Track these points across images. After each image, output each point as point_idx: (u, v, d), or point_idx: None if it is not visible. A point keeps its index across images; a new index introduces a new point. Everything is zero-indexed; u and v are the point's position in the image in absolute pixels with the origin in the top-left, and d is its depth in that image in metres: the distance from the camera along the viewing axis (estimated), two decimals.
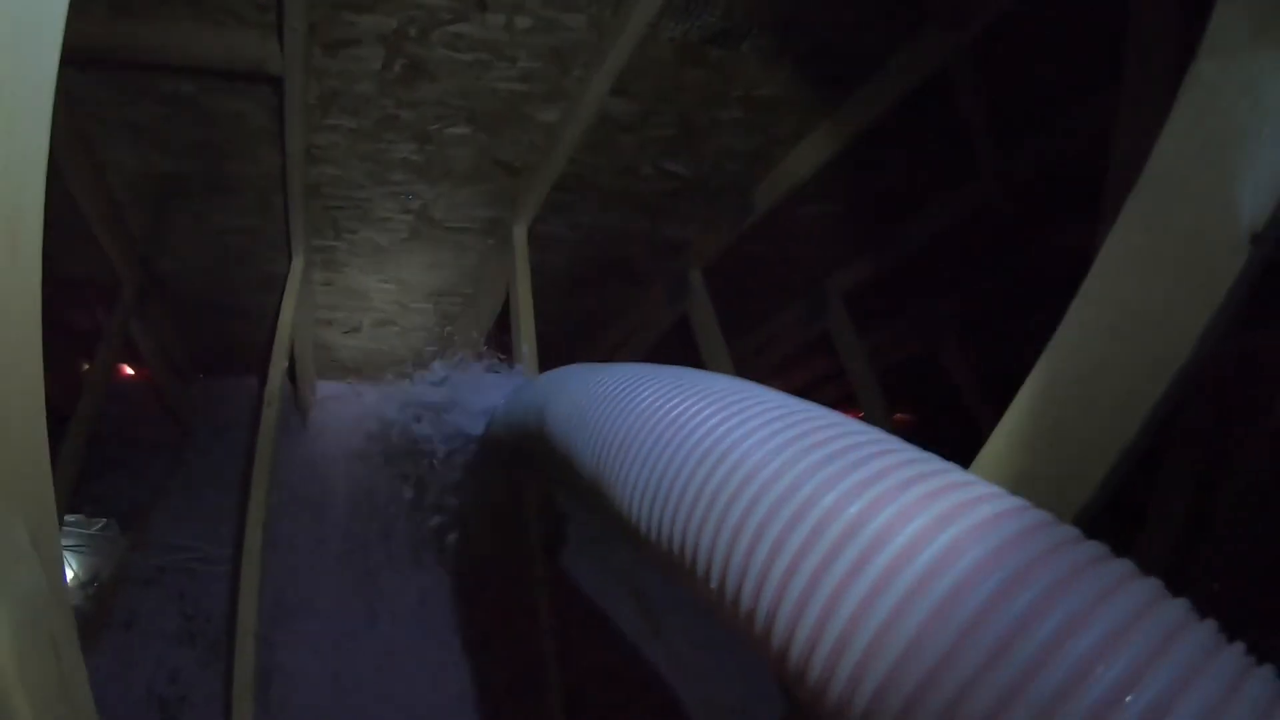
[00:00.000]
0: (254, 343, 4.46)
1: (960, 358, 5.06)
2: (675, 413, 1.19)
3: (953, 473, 0.91)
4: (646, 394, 1.31)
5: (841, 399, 6.63)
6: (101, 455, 4.64)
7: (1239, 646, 0.69)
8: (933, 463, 0.93)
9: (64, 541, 4.18)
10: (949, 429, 4.81)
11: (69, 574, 4.22)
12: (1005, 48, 2.91)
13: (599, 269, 4.15)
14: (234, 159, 3.23)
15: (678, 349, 4.25)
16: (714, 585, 1.00)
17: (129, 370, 4.79)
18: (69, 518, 4.22)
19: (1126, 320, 1.05)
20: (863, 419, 4.79)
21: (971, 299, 4.69)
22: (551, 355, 3.17)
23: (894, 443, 0.99)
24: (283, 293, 3.77)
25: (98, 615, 4.11)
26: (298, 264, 3.74)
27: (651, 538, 1.16)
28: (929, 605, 0.74)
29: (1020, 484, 1.08)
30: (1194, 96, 1.01)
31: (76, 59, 2.72)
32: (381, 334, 4.65)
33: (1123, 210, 1.07)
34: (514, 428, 2.36)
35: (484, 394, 3.04)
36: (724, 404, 1.14)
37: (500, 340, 3.82)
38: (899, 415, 6.25)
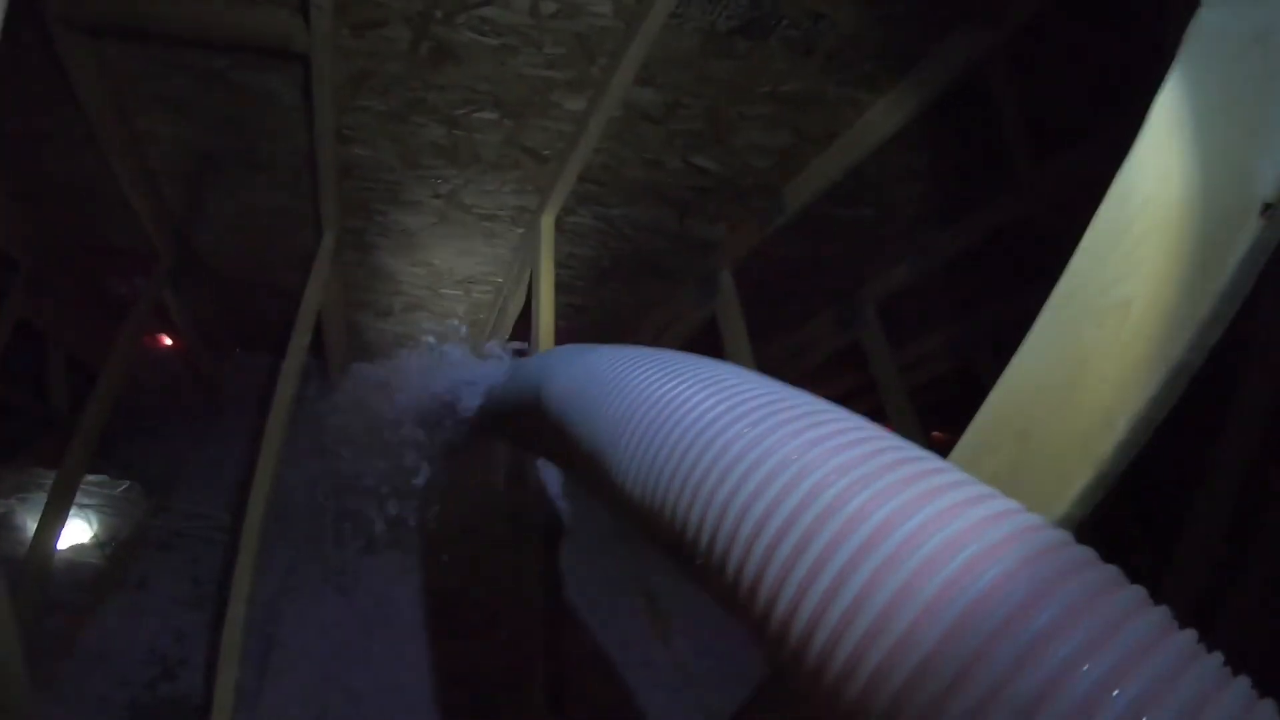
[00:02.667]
0: (289, 320, 4.53)
1: (996, 374, 4.89)
2: (669, 395, 1.20)
3: (974, 485, 0.90)
4: (640, 376, 1.33)
5: (871, 413, 6.55)
6: (133, 422, 4.76)
7: (1217, 656, 0.70)
8: (955, 472, 0.92)
9: (86, 500, 4.29)
10: None
11: (89, 532, 4.32)
12: (1042, 52, 2.87)
13: (628, 264, 4.14)
14: (266, 136, 3.29)
15: (706, 350, 4.23)
16: (721, 570, 0.99)
17: (167, 341, 4.87)
18: (92, 478, 4.31)
19: (1115, 305, 0.98)
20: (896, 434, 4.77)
21: (1008, 313, 4.59)
22: None
23: (896, 440, 0.99)
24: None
25: (112, 574, 4.22)
26: (327, 242, 3.78)
27: (645, 509, 1.17)
28: (949, 620, 0.74)
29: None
30: (1198, 48, 0.94)
31: (112, 30, 2.79)
32: (412, 319, 4.68)
33: (1115, 179, 1.01)
34: (511, 403, 2.38)
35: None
36: (716, 387, 1.15)
37: (526, 332, 3.84)
38: (936, 433, 6.11)
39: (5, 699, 1.00)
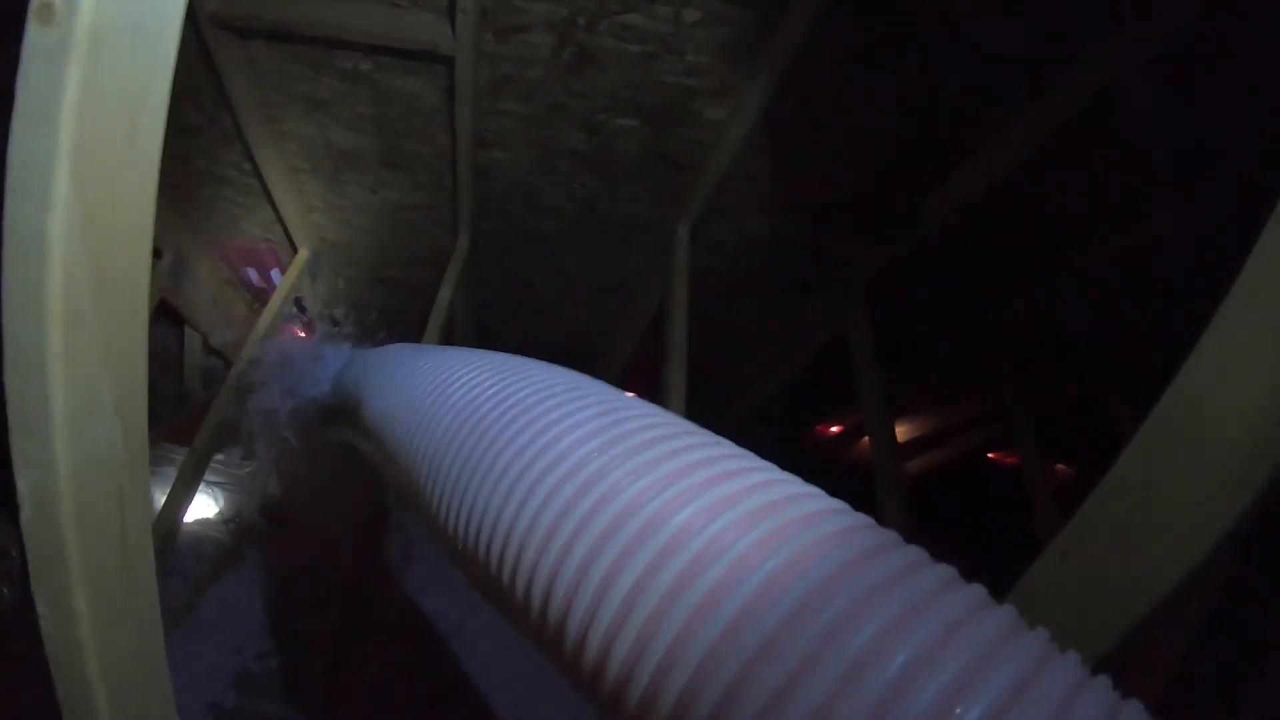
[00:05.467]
0: (419, 316, 4.59)
1: (1126, 408, 4.72)
2: (481, 428, 1.14)
3: (768, 471, 0.88)
4: (455, 401, 1.26)
5: (994, 442, 6.40)
6: None
7: (1074, 655, 0.65)
8: (750, 460, 0.90)
9: (214, 478, 4.45)
10: None
11: (214, 508, 4.48)
12: (1189, 66, 2.74)
13: (759, 277, 4.09)
14: (407, 136, 3.33)
15: (833, 367, 4.17)
16: (526, 610, 0.95)
17: (300, 333, 4.99)
18: (219, 457, 4.46)
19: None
20: (1019, 467, 4.61)
21: (1143, 344, 4.41)
22: (703, 368, 3.18)
23: (705, 435, 0.96)
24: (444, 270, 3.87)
25: (235, 547, 4.38)
26: (463, 243, 3.82)
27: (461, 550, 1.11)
28: (732, 609, 0.70)
29: (1151, 505, 1.03)
30: None
31: (265, 33, 2.87)
32: (539, 321, 4.72)
33: (1277, 208, 0.95)
34: (337, 407, 2.33)
35: None
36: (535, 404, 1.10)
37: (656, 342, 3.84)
38: (1060, 466, 5.94)
39: (148, 664, 1.03)
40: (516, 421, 1.06)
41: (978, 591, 0.70)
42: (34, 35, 0.75)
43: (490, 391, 1.19)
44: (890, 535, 0.77)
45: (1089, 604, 1.05)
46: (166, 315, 4.56)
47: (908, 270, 3.82)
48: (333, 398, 2.46)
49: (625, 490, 0.84)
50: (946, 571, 0.71)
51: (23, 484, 0.83)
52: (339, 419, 2.35)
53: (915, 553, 0.74)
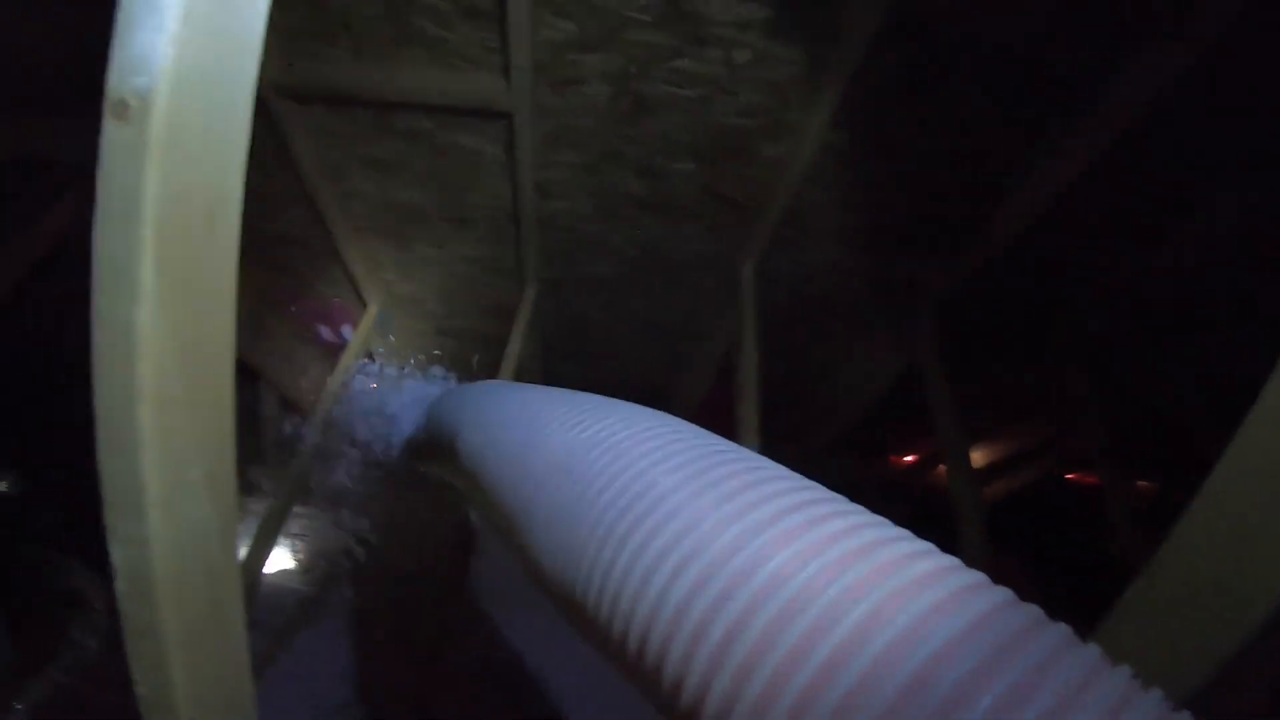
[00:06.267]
0: (489, 366, 4.63)
1: (1206, 420, 4.57)
2: (584, 466, 1.14)
3: (858, 514, 0.88)
4: (553, 439, 1.27)
5: (1074, 462, 6.28)
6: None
7: (1156, 692, 0.65)
8: (840, 503, 0.90)
9: (293, 530, 4.53)
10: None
11: (294, 560, 4.55)
12: (1234, 71, 2.67)
13: (828, 309, 4.07)
14: (470, 191, 3.39)
15: (906, 396, 4.13)
16: (618, 639, 0.95)
17: (374, 386, 5.07)
18: (299, 508, 4.53)
19: None
20: (1100, 485, 4.53)
21: (1219, 352, 4.29)
22: (776, 403, 3.18)
23: (797, 479, 0.97)
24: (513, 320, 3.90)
25: (315, 598, 4.43)
26: (529, 293, 3.87)
27: (561, 588, 1.11)
28: (821, 657, 0.71)
29: (1240, 532, 1.02)
30: None
31: (326, 98, 2.95)
32: (606, 366, 4.73)
33: None
34: (430, 443, 2.31)
35: None
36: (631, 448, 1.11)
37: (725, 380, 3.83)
38: (1142, 483, 5.81)
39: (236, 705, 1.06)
40: (613, 466, 1.08)
41: (1063, 631, 0.70)
42: (111, 131, 0.78)
43: (587, 435, 1.20)
44: (978, 576, 0.77)
45: (1177, 637, 1.04)
46: (243, 371, 4.66)
47: (976, 293, 3.77)
48: (426, 433, 2.47)
49: (718, 538, 0.85)
50: (1033, 612, 0.72)
51: (117, 559, 0.86)
52: (432, 454, 2.36)
53: (1003, 594, 0.74)
